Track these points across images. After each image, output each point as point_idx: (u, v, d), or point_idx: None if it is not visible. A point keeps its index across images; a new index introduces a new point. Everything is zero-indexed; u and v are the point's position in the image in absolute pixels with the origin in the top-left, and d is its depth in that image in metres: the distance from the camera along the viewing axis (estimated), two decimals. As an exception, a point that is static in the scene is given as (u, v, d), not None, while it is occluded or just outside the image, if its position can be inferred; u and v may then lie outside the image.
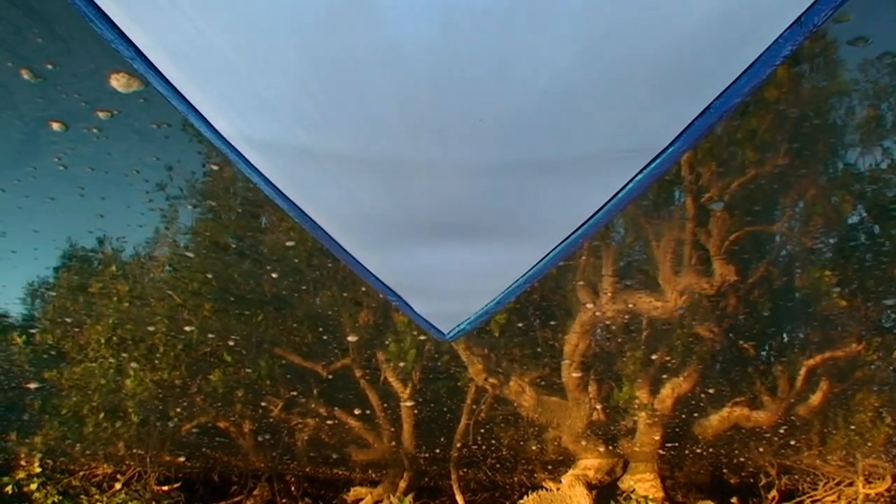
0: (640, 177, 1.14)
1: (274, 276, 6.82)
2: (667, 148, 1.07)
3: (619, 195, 1.20)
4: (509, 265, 1.48)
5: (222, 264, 6.85)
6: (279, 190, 1.29)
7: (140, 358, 8.14)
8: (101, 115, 5.01)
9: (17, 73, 4.65)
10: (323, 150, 1.14)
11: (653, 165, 1.11)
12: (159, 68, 1.00)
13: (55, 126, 5.16)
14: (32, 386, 9.02)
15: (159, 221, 6.36)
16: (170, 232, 6.55)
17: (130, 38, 0.94)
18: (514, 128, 1.02)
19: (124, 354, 8.09)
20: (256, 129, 1.13)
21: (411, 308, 1.69)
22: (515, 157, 1.10)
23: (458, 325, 1.77)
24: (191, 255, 6.75)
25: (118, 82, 4.50)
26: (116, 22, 0.91)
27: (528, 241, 1.38)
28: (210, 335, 7.89)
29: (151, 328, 7.80)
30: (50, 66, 4.57)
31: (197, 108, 1.08)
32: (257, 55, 0.92)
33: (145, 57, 0.97)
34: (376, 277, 1.56)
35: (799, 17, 0.84)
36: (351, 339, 7.93)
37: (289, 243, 6.27)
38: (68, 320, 7.88)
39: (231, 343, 8.06)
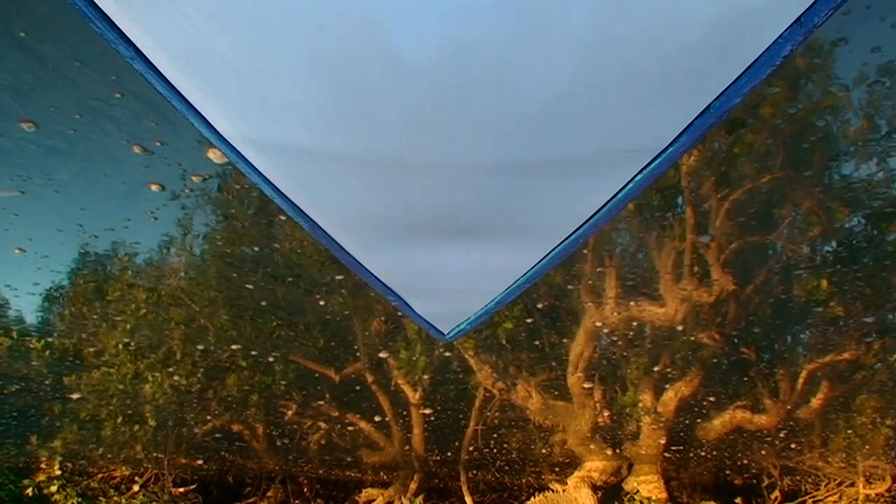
0: (640, 177, 1.14)
1: (322, 303, 7.77)
2: (667, 148, 1.07)
3: (619, 195, 1.19)
4: (509, 265, 1.48)
5: (266, 290, 7.74)
6: (279, 190, 1.29)
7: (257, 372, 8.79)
8: (195, 178, 6.02)
9: (129, 148, 5.57)
10: (323, 150, 1.14)
11: (653, 165, 1.11)
12: (159, 68, 1.00)
13: (154, 187, 6.12)
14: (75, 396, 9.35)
15: (227, 265, 7.41)
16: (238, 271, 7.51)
17: (130, 38, 0.94)
18: (515, 128, 1.02)
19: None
20: (256, 129, 1.13)
21: (411, 308, 1.68)
22: (515, 157, 1.10)
23: (457, 325, 1.77)
24: (250, 286, 7.73)
25: (214, 154, 5.33)
26: (116, 22, 0.91)
27: (528, 241, 1.38)
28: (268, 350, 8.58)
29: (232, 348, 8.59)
30: (158, 144, 5.49)
31: (197, 108, 1.08)
32: (257, 55, 0.93)
33: (145, 57, 0.97)
34: (376, 278, 1.56)
35: (799, 18, 0.84)
36: (406, 367, 8.45)
37: (339, 277, 7.18)
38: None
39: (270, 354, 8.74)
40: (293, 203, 1.33)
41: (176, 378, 8.51)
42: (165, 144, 5.41)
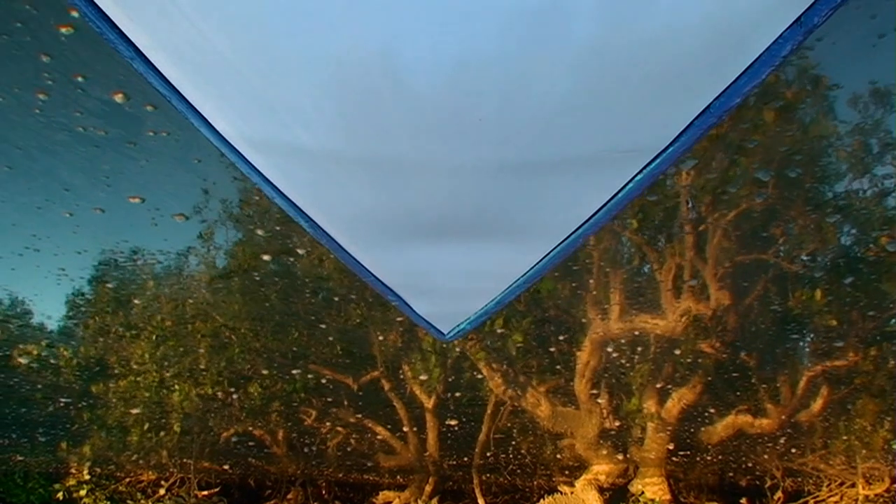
0: (639, 177, 1.13)
1: (380, 337, 8.71)
2: (667, 148, 1.07)
3: (619, 195, 1.19)
4: (509, 265, 1.47)
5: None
6: (279, 190, 1.29)
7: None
8: (300, 251, 7.64)
9: (254, 232, 7.55)
10: (324, 150, 1.14)
11: (653, 165, 1.11)
12: (159, 68, 1.00)
13: (265, 257, 7.85)
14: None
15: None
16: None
17: (130, 38, 0.94)
18: (515, 128, 1.02)
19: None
20: (256, 129, 1.13)
21: (411, 308, 1.68)
22: (516, 157, 1.10)
23: (457, 326, 1.77)
24: (316, 320, 8.84)
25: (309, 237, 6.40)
26: (116, 22, 0.91)
27: (528, 241, 1.38)
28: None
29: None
30: (279, 227, 7.26)
31: (197, 108, 1.08)
32: (258, 55, 0.93)
33: (145, 57, 0.97)
34: (376, 277, 1.56)
35: (799, 17, 0.84)
36: (422, 376, 9.02)
37: (399, 318, 8.11)
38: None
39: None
40: (293, 203, 1.33)
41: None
42: (277, 229, 7.17)
